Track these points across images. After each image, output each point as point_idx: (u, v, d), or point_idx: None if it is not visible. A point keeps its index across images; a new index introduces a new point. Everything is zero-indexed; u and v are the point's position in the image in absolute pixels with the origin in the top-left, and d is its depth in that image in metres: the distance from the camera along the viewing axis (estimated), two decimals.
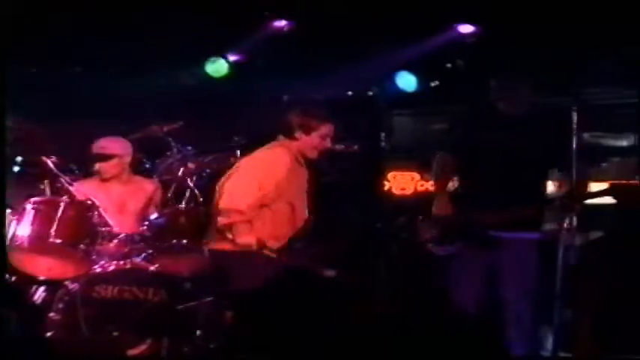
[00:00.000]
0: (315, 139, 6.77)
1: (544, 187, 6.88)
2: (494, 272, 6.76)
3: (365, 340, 3.34)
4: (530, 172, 6.77)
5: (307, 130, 6.77)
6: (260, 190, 6.67)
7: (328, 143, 6.81)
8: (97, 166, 7.88)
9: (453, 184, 7.16)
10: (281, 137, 6.85)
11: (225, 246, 6.74)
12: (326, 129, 6.80)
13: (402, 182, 11.31)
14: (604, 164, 9.96)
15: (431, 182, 11.12)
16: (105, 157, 7.84)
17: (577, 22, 8.79)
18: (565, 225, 6.50)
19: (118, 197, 7.95)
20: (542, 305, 6.79)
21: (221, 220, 6.74)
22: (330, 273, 7.59)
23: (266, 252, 6.64)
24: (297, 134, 6.77)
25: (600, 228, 7.95)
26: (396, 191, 11.29)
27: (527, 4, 8.78)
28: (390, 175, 11.25)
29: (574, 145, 6.41)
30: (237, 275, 6.50)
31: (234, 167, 6.98)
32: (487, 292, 6.84)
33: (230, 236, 6.68)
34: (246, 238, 6.62)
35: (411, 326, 3.31)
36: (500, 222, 6.63)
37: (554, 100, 7.50)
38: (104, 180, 7.92)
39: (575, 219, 6.50)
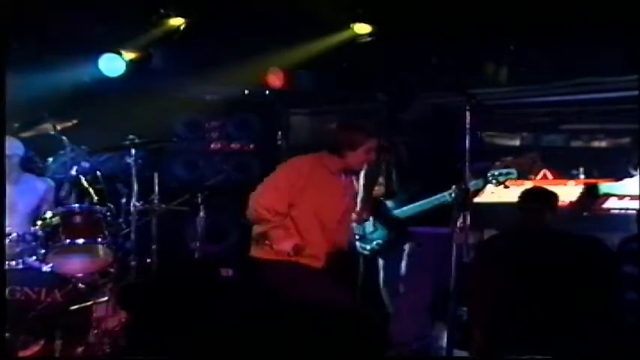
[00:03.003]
0: (361, 155, 6.73)
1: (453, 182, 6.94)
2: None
3: (258, 335, 3.34)
4: (437, 170, 6.86)
5: (353, 147, 6.71)
6: (280, 197, 6.67)
7: (373, 156, 6.75)
8: None
9: (378, 189, 7.25)
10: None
11: (265, 254, 6.66)
12: (371, 144, 6.72)
13: None
14: (497, 163, 10.11)
15: None
16: None
17: (471, 24, 8.92)
18: (459, 223, 6.56)
19: (8, 197, 7.72)
20: (438, 303, 6.88)
21: (256, 229, 6.72)
22: (226, 272, 7.59)
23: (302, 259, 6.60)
24: (344, 151, 6.74)
25: (494, 226, 8.05)
26: None
27: (421, 6, 8.88)
28: None
29: (467, 144, 6.48)
30: (276, 284, 6.48)
31: None
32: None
33: (268, 242, 6.63)
34: (281, 244, 6.57)
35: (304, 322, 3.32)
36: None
37: (447, 101, 7.61)
38: None
39: (468, 217, 6.57)
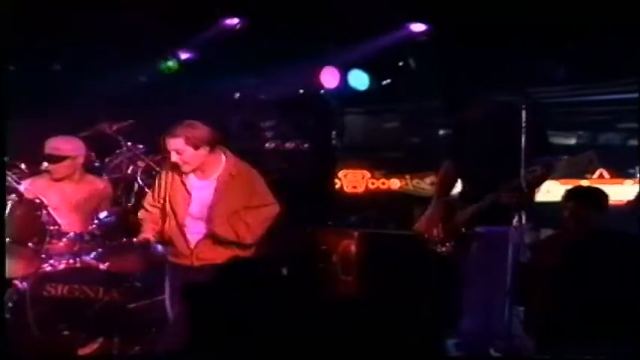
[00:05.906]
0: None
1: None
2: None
3: (318, 335, 3.35)
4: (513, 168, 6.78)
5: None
6: (152, 192, 7.21)
7: (171, 157, 6.96)
8: (48, 166, 7.69)
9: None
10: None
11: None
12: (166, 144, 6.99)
13: (353, 180, 11.35)
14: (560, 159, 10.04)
15: (382, 180, 11.27)
16: (57, 159, 7.62)
17: (525, 22, 8.87)
18: (515, 222, 6.51)
19: (70, 197, 7.78)
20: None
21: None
22: (282, 271, 7.60)
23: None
24: None
25: (551, 226, 7.99)
26: (347, 189, 11.33)
27: (478, 4, 8.85)
28: (341, 174, 11.28)
29: (522, 143, 6.42)
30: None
31: None
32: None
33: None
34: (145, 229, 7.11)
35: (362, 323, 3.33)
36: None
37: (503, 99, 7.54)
38: (55, 179, 7.75)
39: (524, 216, 6.51)
